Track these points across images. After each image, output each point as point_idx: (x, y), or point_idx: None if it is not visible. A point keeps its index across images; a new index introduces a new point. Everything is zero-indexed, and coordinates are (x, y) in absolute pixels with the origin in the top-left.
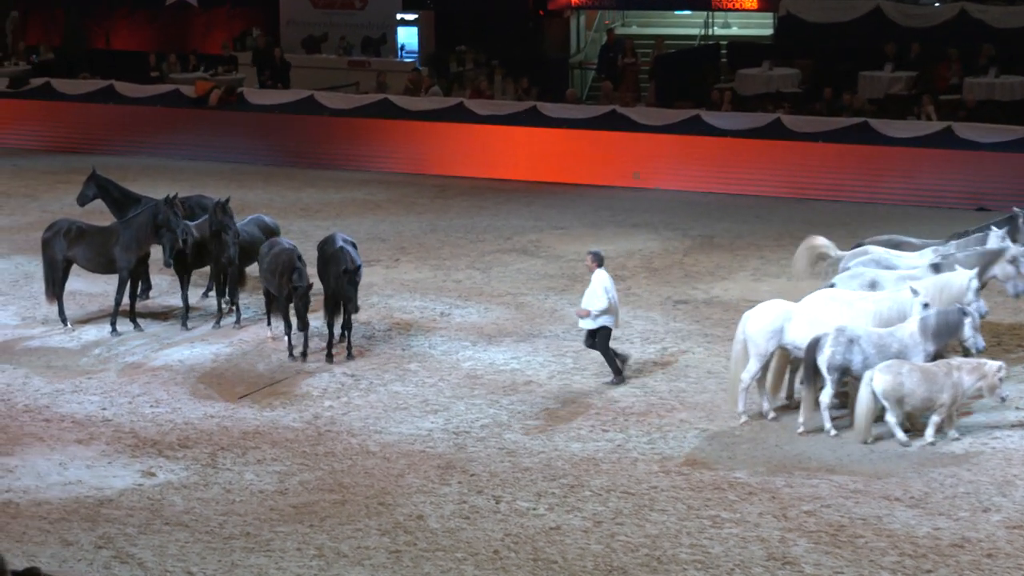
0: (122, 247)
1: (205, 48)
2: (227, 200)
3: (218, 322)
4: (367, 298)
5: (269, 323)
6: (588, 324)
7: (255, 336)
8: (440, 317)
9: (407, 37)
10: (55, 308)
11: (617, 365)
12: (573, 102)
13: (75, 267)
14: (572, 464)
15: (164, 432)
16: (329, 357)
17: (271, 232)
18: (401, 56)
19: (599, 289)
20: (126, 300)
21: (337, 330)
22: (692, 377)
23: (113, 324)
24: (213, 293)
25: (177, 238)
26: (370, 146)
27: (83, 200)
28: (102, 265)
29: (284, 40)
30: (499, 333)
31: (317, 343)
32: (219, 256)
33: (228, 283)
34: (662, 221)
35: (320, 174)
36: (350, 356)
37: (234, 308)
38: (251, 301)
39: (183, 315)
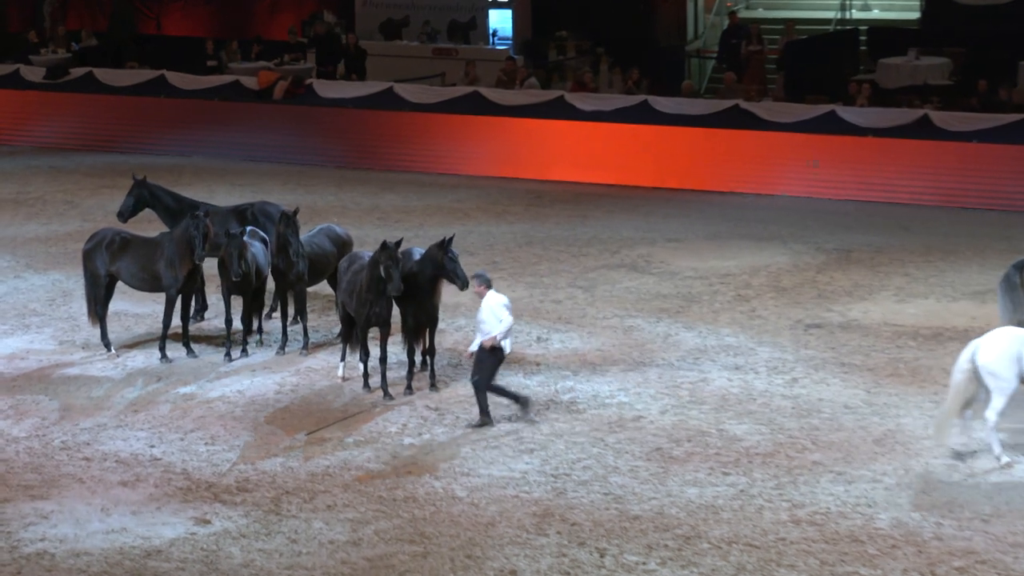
0: (167, 262)
1: (269, 34)
2: (295, 212)
3: (283, 348)
4: (453, 320)
5: (344, 358)
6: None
7: (324, 364)
8: (536, 343)
9: (500, 21)
10: (97, 330)
11: (487, 405)
12: (690, 96)
13: (120, 284)
14: (688, 512)
15: (221, 474)
16: (409, 388)
17: (343, 244)
18: (493, 43)
19: (499, 309)
20: (177, 322)
21: (418, 358)
22: (826, 413)
23: (162, 349)
24: (277, 315)
25: (199, 258)
26: (457, 145)
27: (125, 214)
28: (147, 282)
29: (359, 25)
30: (604, 361)
31: (396, 373)
32: (286, 273)
33: (296, 303)
34: (792, 233)
35: (399, 177)
36: (433, 387)
37: (302, 332)
38: (319, 323)
39: (242, 340)
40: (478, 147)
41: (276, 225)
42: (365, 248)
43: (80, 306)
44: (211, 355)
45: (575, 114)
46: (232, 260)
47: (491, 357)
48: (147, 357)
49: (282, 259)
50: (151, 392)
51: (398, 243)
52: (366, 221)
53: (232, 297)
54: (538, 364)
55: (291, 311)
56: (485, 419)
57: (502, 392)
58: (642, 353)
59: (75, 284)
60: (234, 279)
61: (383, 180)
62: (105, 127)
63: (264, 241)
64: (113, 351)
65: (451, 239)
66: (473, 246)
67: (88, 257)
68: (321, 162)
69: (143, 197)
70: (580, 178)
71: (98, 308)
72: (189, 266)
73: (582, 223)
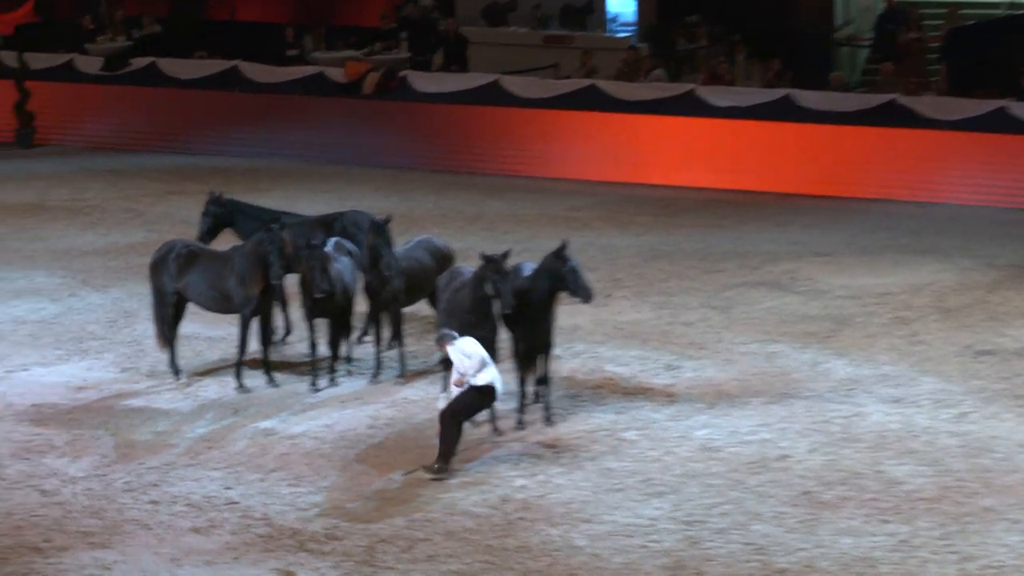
0: (238, 280)
1: (358, 19)
2: (387, 220)
3: (376, 376)
4: (570, 345)
5: (445, 388)
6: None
7: (423, 395)
8: (666, 371)
9: (621, 5)
10: (165, 356)
11: (453, 449)
12: (839, 89)
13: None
14: (841, 565)
15: (306, 519)
16: (520, 423)
17: (444, 258)
18: (613, 30)
19: (468, 345)
20: (256, 347)
21: (530, 388)
22: (1000, 452)
23: (239, 377)
24: (369, 339)
25: (279, 273)
26: (573, 146)
27: (205, 239)
28: (217, 301)
29: (460, 9)
30: (743, 393)
31: (505, 405)
32: (379, 291)
33: (391, 326)
34: (958, 246)
35: (507, 182)
36: (548, 422)
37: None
38: (418, 348)
39: (330, 367)
40: (597, 148)
41: (366, 236)
42: (469, 263)
43: (145, 328)
44: (295, 384)
45: (707, 110)
46: (314, 275)
47: (476, 396)
48: (221, 387)
49: (374, 275)
50: (226, 426)
51: (504, 255)
52: (470, 232)
53: (317, 319)
54: (668, 396)
55: (385, 334)
56: (441, 464)
57: (448, 440)
58: (787, 384)
59: (138, 303)
60: (317, 296)
61: (488, 185)
62: (171, 125)
63: (352, 255)
64: (183, 379)
65: (565, 245)
66: (592, 261)
67: (154, 271)
68: (418, 165)
69: (221, 216)
70: (714, 183)
71: (166, 330)
72: (262, 284)
73: (716, 234)
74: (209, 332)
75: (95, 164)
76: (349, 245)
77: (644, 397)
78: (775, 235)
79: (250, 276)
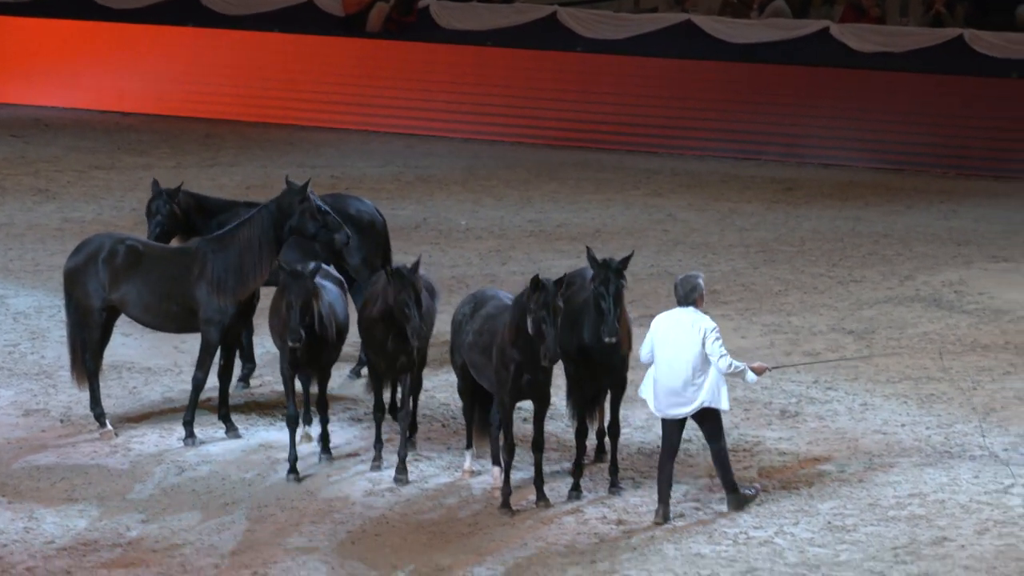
0: (214, 284)
1: None
2: (414, 267)
3: (377, 438)
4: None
5: (470, 444)
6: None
7: (442, 450)
8: (779, 420)
9: None
10: (86, 394)
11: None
12: None
13: (124, 320)
14: None
15: None
16: (576, 489)
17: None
18: None
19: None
20: (213, 382)
21: (592, 441)
22: None
23: (189, 424)
24: (365, 374)
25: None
26: (660, 106)
27: (158, 235)
28: (172, 318)
29: None
30: (887, 451)
31: (552, 466)
32: (393, 357)
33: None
34: None
35: (561, 156)
36: (615, 487)
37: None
38: (444, 397)
39: (320, 439)
40: (683, 108)
41: (383, 291)
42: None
43: (57, 355)
44: (264, 435)
45: (847, 58)
46: (292, 315)
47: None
48: (163, 436)
49: (395, 341)
50: (169, 492)
51: (560, 281)
52: (508, 223)
53: (300, 371)
54: (782, 454)
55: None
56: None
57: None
58: (948, 438)
59: (49, 320)
60: (290, 344)
61: (537, 161)
62: (100, 71)
63: (341, 283)
64: (109, 427)
65: (624, 260)
66: (679, 265)
67: (73, 279)
68: (440, 129)
69: (175, 217)
70: (845, 159)
71: (87, 359)
72: (251, 291)
73: (853, 229)
74: (148, 361)
75: None
76: (334, 272)
77: (748, 455)
78: (936, 231)
79: (237, 277)
